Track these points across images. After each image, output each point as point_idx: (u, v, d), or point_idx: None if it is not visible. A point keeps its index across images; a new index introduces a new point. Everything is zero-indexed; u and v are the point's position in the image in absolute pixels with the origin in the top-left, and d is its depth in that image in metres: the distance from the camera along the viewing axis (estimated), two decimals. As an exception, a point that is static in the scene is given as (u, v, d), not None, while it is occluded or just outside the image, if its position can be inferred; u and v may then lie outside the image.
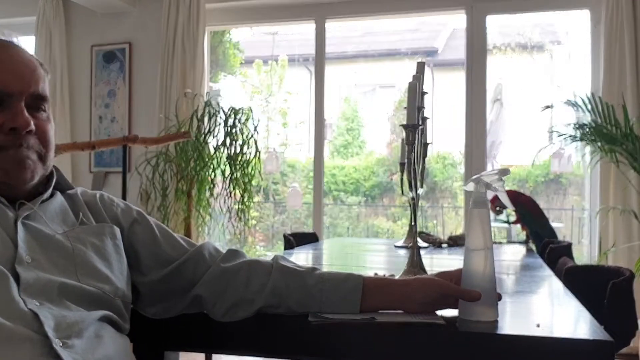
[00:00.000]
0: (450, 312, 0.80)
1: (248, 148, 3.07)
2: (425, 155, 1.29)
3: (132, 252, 0.87)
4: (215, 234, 3.19)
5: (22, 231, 0.75)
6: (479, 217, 0.79)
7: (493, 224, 3.85)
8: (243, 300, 0.82)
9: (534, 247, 2.18)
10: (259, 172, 3.15)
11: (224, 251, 0.89)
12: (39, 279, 0.71)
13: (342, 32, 9.57)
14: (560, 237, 3.05)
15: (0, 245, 0.72)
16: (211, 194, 3.12)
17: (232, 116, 3.07)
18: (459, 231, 2.90)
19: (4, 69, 0.78)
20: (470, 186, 0.81)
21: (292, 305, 0.81)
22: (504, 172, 0.83)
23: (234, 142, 3.05)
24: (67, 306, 0.71)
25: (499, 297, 0.79)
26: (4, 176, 0.77)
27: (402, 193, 1.32)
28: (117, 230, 0.85)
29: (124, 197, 2.49)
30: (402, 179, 1.28)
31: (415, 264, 1.15)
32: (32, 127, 0.77)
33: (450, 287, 0.79)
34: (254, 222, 3.33)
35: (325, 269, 1.40)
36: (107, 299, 0.76)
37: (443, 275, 0.83)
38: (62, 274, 0.74)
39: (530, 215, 2.13)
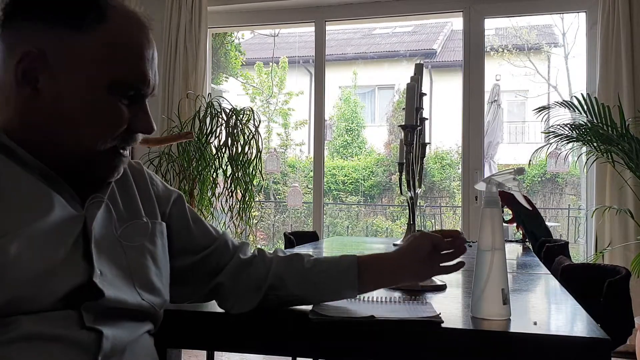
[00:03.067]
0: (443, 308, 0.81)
1: (249, 148, 3.08)
2: (423, 155, 1.31)
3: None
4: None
5: (92, 232, 0.68)
6: (490, 217, 0.79)
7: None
8: (252, 288, 0.83)
9: (530, 246, 2.20)
10: (260, 172, 3.16)
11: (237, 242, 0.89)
12: (116, 297, 0.66)
13: (341, 34, 9.58)
14: (556, 237, 3.07)
15: (76, 254, 0.65)
16: (213, 194, 3.14)
17: (234, 117, 3.09)
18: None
19: (144, 58, 0.69)
20: (482, 185, 0.80)
21: (292, 288, 0.82)
22: (519, 171, 0.81)
23: (235, 143, 3.07)
24: (123, 325, 0.67)
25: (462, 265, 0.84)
26: (89, 174, 0.70)
27: (401, 192, 1.34)
28: (164, 227, 0.80)
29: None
30: (400, 179, 1.30)
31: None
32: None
33: (436, 236, 0.83)
34: (255, 221, 3.34)
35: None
36: (155, 313, 0.73)
37: (418, 236, 0.86)
38: (124, 287, 0.68)
39: (525, 215, 2.14)
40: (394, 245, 1.89)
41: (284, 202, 7.54)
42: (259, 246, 0.89)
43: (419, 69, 1.22)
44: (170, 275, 0.79)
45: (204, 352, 2.30)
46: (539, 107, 2.88)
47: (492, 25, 8.53)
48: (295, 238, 2.26)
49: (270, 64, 8.43)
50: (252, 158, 3.09)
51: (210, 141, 3.09)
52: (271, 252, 0.89)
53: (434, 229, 0.85)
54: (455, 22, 8.90)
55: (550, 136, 2.76)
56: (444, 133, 7.80)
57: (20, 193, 0.64)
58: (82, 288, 0.64)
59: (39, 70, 0.66)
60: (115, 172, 0.72)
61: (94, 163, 0.70)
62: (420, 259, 0.83)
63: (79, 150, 0.68)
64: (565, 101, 2.76)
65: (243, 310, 0.82)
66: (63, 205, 0.67)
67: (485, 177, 0.82)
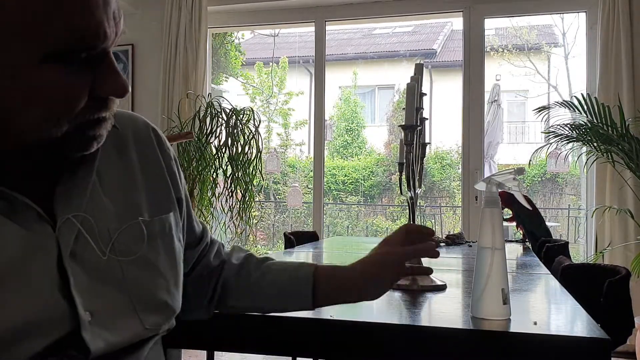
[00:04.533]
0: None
1: (249, 148, 3.09)
2: (423, 155, 1.31)
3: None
4: (217, 232, 3.20)
5: (71, 265, 0.54)
6: (490, 217, 0.78)
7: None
8: (203, 298, 0.77)
9: (530, 246, 2.20)
10: (260, 172, 3.17)
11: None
12: (108, 345, 0.56)
13: (341, 34, 9.58)
14: (556, 237, 3.06)
15: (49, 296, 0.53)
16: (213, 194, 3.14)
17: (234, 117, 3.09)
18: (457, 230, 2.92)
19: (91, 6, 0.50)
20: (482, 185, 0.80)
21: (239, 301, 0.76)
22: (520, 171, 0.81)
23: (235, 143, 3.07)
24: (125, 356, 0.59)
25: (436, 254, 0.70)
26: (53, 158, 0.56)
27: (401, 193, 1.34)
28: (172, 216, 0.67)
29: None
30: (400, 179, 1.30)
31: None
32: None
33: (399, 255, 0.70)
34: (255, 221, 3.34)
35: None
36: (163, 330, 0.64)
37: (387, 242, 0.74)
38: (122, 319, 0.58)
39: (525, 215, 2.14)
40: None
41: (284, 202, 7.54)
42: (259, 252, 0.79)
43: (419, 69, 1.22)
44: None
45: (204, 352, 2.30)
46: (539, 107, 2.88)
47: (492, 25, 8.54)
48: (295, 238, 2.26)
49: (270, 64, 8.44)
50: (252, 158, 3.10)
51: (210, 141, 3.09)
52: (228, 251, 0.81)
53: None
54: (455, 22, 8.90)
55: (550, 136, 2.76)
56: (444, 133, 7.81)
57: None
58: (67, 338, 0.53)
59: None
60: (91, 144, 0.56)
61: (57, 147, 0.54)
62: (379, 282, 0.71)
63: (24, 141, 0.53)
64: (565, 101, 2.76)
65: (198, 318, 0.77)
66: (21, 234, 0.52)
67: (485, 177, 0.81)
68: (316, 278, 0.73)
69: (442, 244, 2.03)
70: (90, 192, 0.59)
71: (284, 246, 2.27)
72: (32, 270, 0.52)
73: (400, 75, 8.39)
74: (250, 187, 3.08)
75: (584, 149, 2.87)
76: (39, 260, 0.53)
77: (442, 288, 1.06)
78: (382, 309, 0.92)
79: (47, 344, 0.52)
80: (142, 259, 0.61)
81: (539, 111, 2.85)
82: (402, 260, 0.71)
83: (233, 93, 7.76)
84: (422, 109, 1.23)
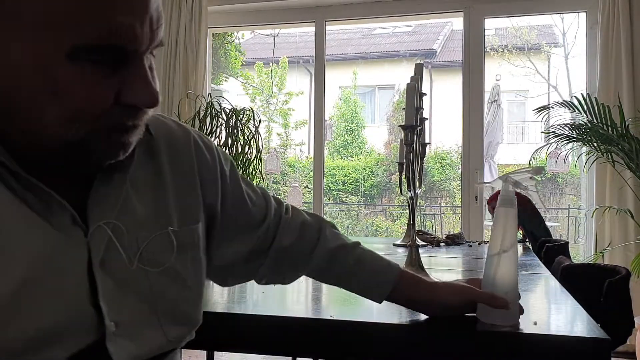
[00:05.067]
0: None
1: (249, 148, 3.08)
2: (423, 155, 1.31)
3: (216, 225, 0.70)
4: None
5: (100, 274, 0.53)
6: (503, 217, 0.75)
7: (489, 223, 3.82)
8: (291, 271, 0.80)
9: (530, 246, 2.20)
10: (260, 172, 3.16)
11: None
12: (131, 357, 0.55)
13: (341, 34, 9.58)
14: (556, 237, 3.06)
15: (79, 302, 0.52)
16: (213, 194, 3.14)
17: (234, 117, 3.09)
18: (457, 230, 2.92)
19: (126, 4, 0.47)
20: (498, 184, 0.78)
21: (330, 279, 0.80)
22: (538, 170, 0.79)
23: (235, 143, 3.07)
24: None
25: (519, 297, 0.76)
26: (75, 165, 0.53)
27: (401, 193, 1.34)
28: (200, 227, 0.66)
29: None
30: (400, 179, 1.30)
31: (414, 262, 1.17)
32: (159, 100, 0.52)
33: (477, 294, 0.76)
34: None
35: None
36: (184, 342, 0.64)
37: (472, 281, 0.80)
38: (146, 330, 0.57)
39: (525, 215, 2.14)
40: (394, 245, 1.89)
41: (284, 202, 7.54)
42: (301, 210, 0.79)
43: (419, 69, 1.22)
44: (221, 263, 0.72)
45: (204, 352, 2.30)
46: (539, 107, 2.88)
47: (492, 25, 8.54)
48: (295, 238, 2.25)
49: (270, 64, 8.44)
50: (252, 158, 3.09)
51: (211, 141, 3.09)
52: (312, 221, 0.80)
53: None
54: (455, 22, 8.90)
55: (550, 136, 2.76)
56: (444, 133, 7.81)
57: None
58: (91, 347, 0.52)
59: None
60: (117, 152, 0.53)
61: (82, 151, 0.51)
62: (450, 307, 0.78)
63: (48, 140, 0.50)
64: (565, 101, 2.76)
65: (274, 283, 0.81)
66: (55, 235, 0.51)
67: (485, 177, 0.80)
68: (396, 286, 0.78)
69: (442, 244, 2.04)
70: (123, 199, 0.57)
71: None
72: (63, 274, 0.51)
73: (400, 75, 8.39)
74: (250, 187, 3.08)
75: (584, 149, 2.87)
76: (70, 265, 0.52)
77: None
78: (382, 309, 0.92)
79: (73, 352, 0.51)
80: (170, 270, 0.60)
81: (539, 111, 2.85)
82: (479, 301, 0.76)
83: (233, 93, 7.76)
84: (422, 109, 1.23)
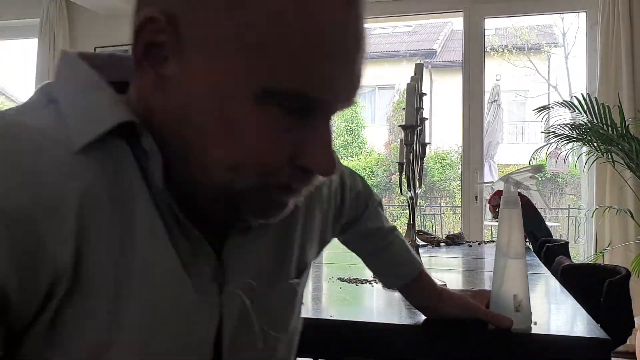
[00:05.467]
0: None
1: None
2: (423, 155, 1.31)
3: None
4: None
5: (229, 348, 0.47)
6: (508, 219, 0.74)
7: (489, 223, 3.82)
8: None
9: (530, 246, 2.20)
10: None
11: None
12: None
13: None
14: (556, 237, 3.06)
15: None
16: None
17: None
18: (457, 230, 2.92)
19: (336, 48, 0.41)
20: (500, 184, 0.77)
21: (355, 249, 0.82)
22: (537, 169, 0.78)
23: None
24: None
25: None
26: (234, 215, 0.45)
27: (401, 193, 1.34)
28: (310, 260, 0.61)
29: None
30: (400, 179, 1.30)
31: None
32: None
33: (482, 313, 0.76)
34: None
35: (325, 267, 1.41)
36: None
37: (480, 294, 0.81)
38: None
39: (525, 215, 2.14)
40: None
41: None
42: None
43: (419, 69, 1.22)
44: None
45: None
46: (539, 107, 2.89)
47: (492, 25, 8.54)
48: (295, 238, 2.25)
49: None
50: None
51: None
52: (364, 194, 0.79)
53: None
54: (455, 22, 8.90)
55: (550, 136, 2.77)
56: (444, 133, 7.81)
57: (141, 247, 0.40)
58: None
59: (168, 48, 0.40)
60: (273, 213, 0.45)
61: (234, 202, 0.43)
62: (455, 318, 0.78)
63: (207, 183, 0.42)
64: (565, 101, 2.77)
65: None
66: (191, 296, 0.44)
67: (484, 177, 0.80)
68: (410, 283, 0.79)
69: (442, 244, 2.04)
70: (259, 252, 0.50)
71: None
72: (191, 338, 0.44)
73: (400, 75, 8.39)
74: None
75: (584, 149, 2.87)
76: (200, 329, 0.45)
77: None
78: (382, 309, 0.92)
79: None
80: (291, 332, 0.55)
81: (539, 111, 2.85)
82: (485, 320, 0.76)
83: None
84: (422, 109, 1.23)
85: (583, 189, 3.33)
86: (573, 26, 8.34)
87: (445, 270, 1.44)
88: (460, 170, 3.45)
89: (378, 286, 1.08)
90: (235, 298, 0.47)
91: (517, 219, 0.74)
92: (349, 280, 1.13)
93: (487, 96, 3.86)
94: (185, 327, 0.43)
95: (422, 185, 1.28)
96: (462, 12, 3.21)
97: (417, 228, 1.31)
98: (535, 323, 0.76)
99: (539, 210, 2.23)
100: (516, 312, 0.73)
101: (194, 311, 0.44)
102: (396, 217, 7.91)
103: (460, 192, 3.68)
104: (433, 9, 3.31)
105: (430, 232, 2.63)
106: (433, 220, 7.46)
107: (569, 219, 6.52)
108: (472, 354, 0.74)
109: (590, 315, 0.83)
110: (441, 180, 8.19)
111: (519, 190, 0.77)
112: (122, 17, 3.60)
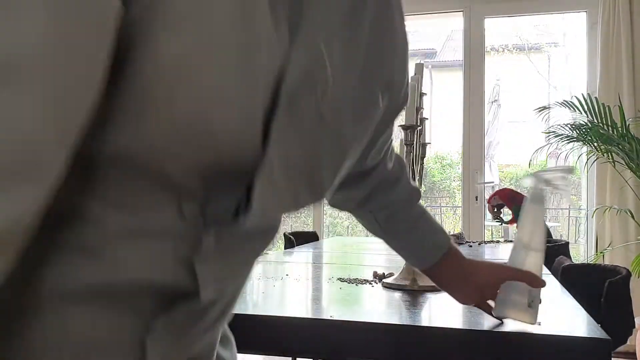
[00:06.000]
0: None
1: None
2: (423, 155, 1.31)
3: None
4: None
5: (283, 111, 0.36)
6: (532, 214, 0.74)
7: (489, 224, 3.80)
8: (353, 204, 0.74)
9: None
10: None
11: None
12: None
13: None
14: (556, 237, 3.06)
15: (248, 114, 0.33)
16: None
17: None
18: (457, 230, 2.92)
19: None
20: (529, 181, 0.76)
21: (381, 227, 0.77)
22: (569, 170, 0.78)
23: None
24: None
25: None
26: None
27: (402, 193, 1.34)
28: None
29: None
30: (401, 179, 1.30)
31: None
32: None
33: (513, 272, 0.73)
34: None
35: (325, 267, 1.41)
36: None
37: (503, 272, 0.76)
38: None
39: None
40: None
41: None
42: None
43: (419, 69, 1.22)
44: None
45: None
46: (539, 107, 2.88)
47: (492, 25, 8.54)
48: (295, 238, 2.26)
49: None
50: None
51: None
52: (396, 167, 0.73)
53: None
54: (455, 22, 8.90)
55: (551, 136, 2.77)
56: (444, 133, 7.81)
57: None
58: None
59: None
60: None
61: None
62: (485, 285, 0.75)
63: None
64: (565, 101, 2.76)
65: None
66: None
67: (485, 177, 0.80)
68: (448, 252, 0.76)
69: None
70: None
71: (284, 246, 2.27)
72: (251, 67, 0.33)
73: (401, 75, 8.38)
74: (250, 187, 3.07)
75: (584, 149, 2.87)
76: (258, 66, 0.33)
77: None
78: (382, 309, 0.92)
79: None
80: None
81: (539, 111, 2.85)
82: (517, 279, 0.73)
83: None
84: (422, 109, 1.23)
85: (583, 189, 3.34)
86: (573, 26, 8.34)
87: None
88: (460, 170, 3.46)
89: (378, 286, 1.08)
90: (310, 46, 0.37)
91: (542, 214, 0.75)
92: (349, 280, 1.13)
93: (487, 96, 3.86)
94: (248, 50, 0.31)
95: (423, 185, 1.28)
96: (462, 12, 3.22)
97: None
98: (539, 323, 0.76)
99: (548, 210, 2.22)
100: (529, 307, 0.73)
101: (265, 36, 0.32)
102: (396, 217, 7.90)
103: (460, 192, 3.69)
104: (433, 9, 3.31)
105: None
106: (433, 220, 7.46)
107: (569, 219, 6.52)
108: (471, 354, 0.74)
109: (591, 315, 0.83)
110: (441, 180, 8.19)
111: (548, 188, 0.76)
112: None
